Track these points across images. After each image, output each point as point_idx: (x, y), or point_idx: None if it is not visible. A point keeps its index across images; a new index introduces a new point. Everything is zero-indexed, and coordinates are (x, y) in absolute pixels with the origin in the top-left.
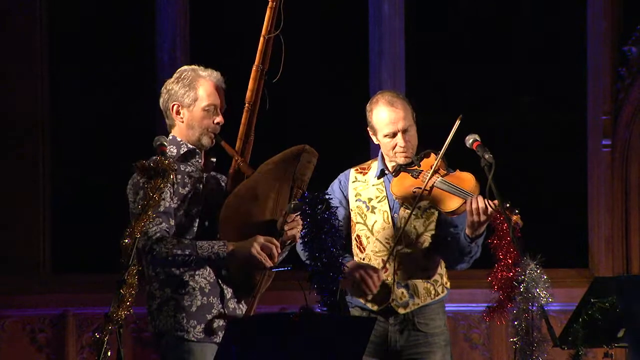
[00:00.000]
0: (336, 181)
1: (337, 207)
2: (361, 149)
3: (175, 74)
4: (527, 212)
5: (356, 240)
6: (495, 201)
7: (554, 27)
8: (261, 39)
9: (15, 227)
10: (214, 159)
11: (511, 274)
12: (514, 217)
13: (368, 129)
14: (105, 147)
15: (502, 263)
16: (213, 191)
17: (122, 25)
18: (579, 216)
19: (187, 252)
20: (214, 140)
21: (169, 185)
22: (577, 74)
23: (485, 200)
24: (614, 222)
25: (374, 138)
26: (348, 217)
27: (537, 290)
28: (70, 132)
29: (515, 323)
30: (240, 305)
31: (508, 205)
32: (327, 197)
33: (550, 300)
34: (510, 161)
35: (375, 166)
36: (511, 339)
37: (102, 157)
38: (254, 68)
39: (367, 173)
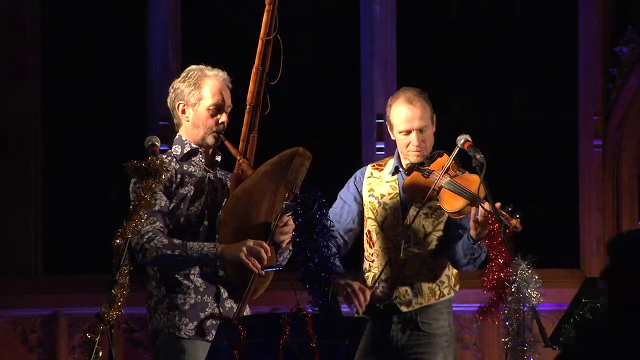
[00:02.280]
0: (352, 177)
1: (328, 207)
2: (352, 150)
3: (182, 73)
4: (519, 212)
5: (367, 236)
6: (497, 203)
7: (546, 27)
8: (260, 41)
9: (6, 227)
10: (218, 158)
11: (503, 274)
12: (514, 221)
13: (386, 123)
14: (96, 149)
15: (494, 263)
16: (217, 191)
17: (113, 26)
18: (571, 216)
19: (176, 253)
20: (219, 140)
21: (164, 184)
22: (568, 74)
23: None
24: (605, 222)
25: (390, 133)
26: (361, 214)
27: (529, 290)
28: (61, 134)
29: (507, 323)
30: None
31: (510, 209)
32: (319, 197)
33: (541, 300)
34: (501, 161)
35: (391, 163)
36: (502, 339)
37: (93, 158)
38: (253, 70)
39: (382, 169)
